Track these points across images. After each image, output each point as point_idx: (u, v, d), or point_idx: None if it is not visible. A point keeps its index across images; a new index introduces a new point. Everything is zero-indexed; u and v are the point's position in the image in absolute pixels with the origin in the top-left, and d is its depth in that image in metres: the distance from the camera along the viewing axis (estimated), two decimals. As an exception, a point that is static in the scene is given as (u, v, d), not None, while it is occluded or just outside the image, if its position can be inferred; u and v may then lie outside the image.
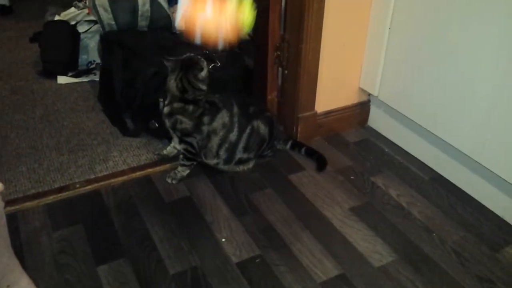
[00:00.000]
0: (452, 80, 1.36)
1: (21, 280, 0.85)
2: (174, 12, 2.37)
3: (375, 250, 1.24)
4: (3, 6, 2.88)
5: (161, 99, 1.61)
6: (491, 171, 1.32)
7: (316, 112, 1.67)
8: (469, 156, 1.37)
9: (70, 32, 2.13)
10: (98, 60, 2.14)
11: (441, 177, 1.51)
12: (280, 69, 1.66)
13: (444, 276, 1.18)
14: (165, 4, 2.15)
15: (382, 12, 1.52)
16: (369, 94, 1.73)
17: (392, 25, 1.51)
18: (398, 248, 1.25)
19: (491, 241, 1.28)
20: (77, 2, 2.38)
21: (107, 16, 1.91)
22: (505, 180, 1.29)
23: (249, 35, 1.74)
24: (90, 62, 2.19)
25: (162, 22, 2.08)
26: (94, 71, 2.13)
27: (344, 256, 1.22)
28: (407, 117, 1.56)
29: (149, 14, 1.96)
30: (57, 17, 2.22)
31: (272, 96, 1.72)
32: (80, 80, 2.08)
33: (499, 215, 1.36)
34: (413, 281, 1.16)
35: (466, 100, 1.33)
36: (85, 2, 2.30)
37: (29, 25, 2.60)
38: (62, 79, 2.06)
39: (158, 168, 1.54)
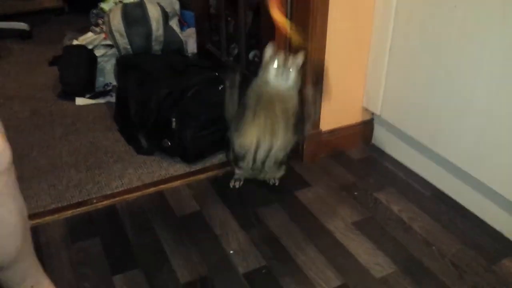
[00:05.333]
0: (449, 99, 1.43)
1: (44, 282, 0.93)
2: (186, 36, 2.50)
3: (376, 262, 1.30)
4: (23, 31, 3.01)
5: (174, 119, 1.71)
6: (489, 186, 1.37)
7: (321, 131, 1.75)
8: (467, 172, 1.43)
9: (87, 56, 2.24)
10: (114, 82, 2.25)
11: (441, 193, 1.57)
12: (286, 90, 1.74)
13: (442, 287, 1.23)
14: (177, 29, 2.27)
15: (382, 35, 1.60)
16: (373, 113, 1.80)
17: (392, 47, 1.59)
18: (399, 260, 1.31)
19: (489, 254, 1.33)
20: (93, 27, 2.51)
21: (123, 41, 2.02)
22: (502, 195, 1.34)
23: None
24: (107, 84, 2.29)
25: (175, 45, 2.19)
26: (111, 93, 2.23)
27: (346, 267, 1.28)
28: (408, 134, 1.63)
29: (162, 39, 2.07)
30: (75, 42, 2.34)
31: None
32: (97, 102, 2.18)
33: (497, 229, 1.41)
34: (412, 291, 1.21)
35: (463, 117, 1.40)
36: (102, 27, 2.42)
37: (48, 49, 2.72)
38: (80, 101, 2.17)
39: (170, 185, 1.62)
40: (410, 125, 1.62)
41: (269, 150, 1.44)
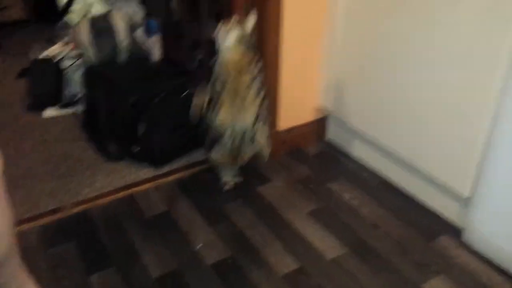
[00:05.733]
0: (392, 96, 1.59)
1: (29, 283, 1.03)
2: (151, 43, 2.59)
3: (329, 245, 1.45)
4: (-10, 43, 3.04)
5: (141, 125, 1.81)
6: (427, 173, 1.54)
7: (278, 130, 1.89)
8: (408, 162, 1.59)
9: (55, 67, 2.31)
10: (82, 93, 2.33)
11: (387, 181, 1.73)
12: (244, 93, 1.87)
13: (387, 263, 1.39)
14: (143, 38, 2.37)
15: (333, 39, 1.75)
16: (325, 112, 1.95)
17: (341, 51, 1.74)
18: (349, 242, 1.46)
19: (427, 233, 1.50)
20: (60, 38, 2.57)
21: (90, 52, 2.11)
22: (439, 181, 1.51)
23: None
24: (74, 94, 2.37)
25: (141, 54, 2.29)
26: (79, 103, 2.31)
27: (302, 252, 1.43)
28: (357, 130, 1.79)
29: (128, 48, 2.17)
30: (43, 54, 2.41)
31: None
32: (65, 112, 2.26)
33: (435, 210, 1.58)
34: (360, 269, 1.37)
35: (404, 113, 1.56)
36: (69, 39, 2.50)
37: (15, 61, 2.75)
38: (49, 112, 2.24)
39: (139, 188, 1.73)
40: (359, 122, 1.77)
41: (244, 124, 1.54)
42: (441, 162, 1.48)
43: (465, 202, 1.44)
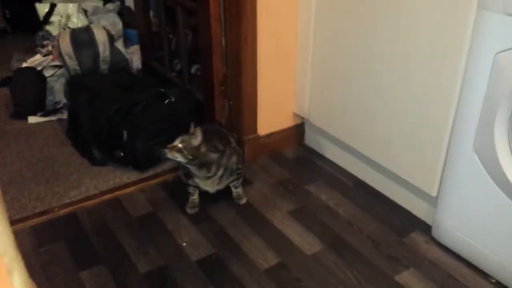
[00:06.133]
0: (362, 103, 1.70)
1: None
2: (130, 53, 2.67)
3: (307, 242, 1.54)
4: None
5: (125, 131, 1.88)
6: (396, 174, 1.65)
7: (259, 135, 1.98)
8: (379, 163, 1.70)
9: (37, 76, 2.36)
10: (64, 100, 2.38)
11: (361, 182, 1.84)
12: (225, 100, 1.97)
13: (361, 258, 1.49)
14: (122, 49, 2.45)
15: (304, 49, 1.86)
16: (303, 118, 2.06)
17: (313, 61, 1.86)
18: (326, 239, 1.55)
19: (399, 229, 1.60)
20: (40, 48, 2.63)
21: (72, 63, 2.18)
22: (407, 180, 1.62)
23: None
24: (57, 102, 2.42)
25: (121, 64, 2.37)
26: (61, 110, 2.37)
27: (282, 248, 1.52)
28: (332, 135, 1.89)
29: (109, 59, 2.24)
30: (24, 64, 2.46)
31: (220, 124, 2.02)
32: (48, 119, 2.31)
33: (406, 208, 1.69)
34: (336, 263, 1.46)
35: (373, 118, 1.67)
36: (48, 49, 2.55)
37: (-5, 70, 2.80)
38: (32, 119, 2.29)
39: (124, 191, 1.79)
40: (333, 127, 1.88)
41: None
42: (411, 164, 1.59)
43: (433, 200, 1.56)
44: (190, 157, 1.52)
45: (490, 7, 1.16)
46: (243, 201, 1.73)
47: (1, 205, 0.63)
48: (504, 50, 1.16)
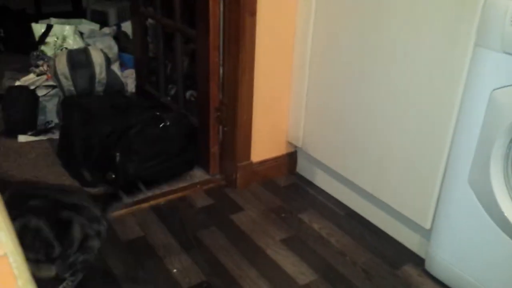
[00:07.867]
0: (355, 135, 1.71)
1: None
2: (125, 77, 2.68)
3: (300, 272, 1.52)
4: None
5: (118, 153, 1.86)
6: (389, 205, 1.65)
7: (252, 162, 1.98)
8: (372, 194, 1.71)
9: (29, 95, 2.34)
10: (56, 121, 2.36)
11: (354, 212, 1.84)
12: (220, 126, 1.97)
13: (354, 289, 1.47)
14: (118, 72, 2.45)
15: (299, 80, 1.88)
16: (296, 146, 2.06)
17: (308, 91, 1.87)
18: (319, 269, 1.54)
19: (392, 261, 1.60)
20: (34, 68, 2.62)
21: (67, 83, 2.17)
22: (400, 212, 1.62)
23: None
24: (48, 122, 2.40)
25: (116, 87, 2.36)
26: (52, 130, 2.34)
27: (275, 277, 1.49)
28: (325, 164, 1.90)
29: (105, 81, 2.24)
30: (17, 83, 2.44)
31: (214, 149, 2.01)
32: (39, 139, 2.28)
33: (399, 241, 1.69)
34: (330, 294, 1.44)
35: (366, 149, 1.68)
36: (43, 69, 2.54)
37: (-14, 89, 2.77)
38: (23, 138, 2.26)
39: (115, 213, 1.75)
40: (326, 156, 1.89)
41: None
42: (404, 196, 1.59)
43: (427, 233, 1.56)
44: None
45: (487, 45, 1.19)
46: None
47: (1, 205, 0.62)
48: (501, 87, 1.19)
